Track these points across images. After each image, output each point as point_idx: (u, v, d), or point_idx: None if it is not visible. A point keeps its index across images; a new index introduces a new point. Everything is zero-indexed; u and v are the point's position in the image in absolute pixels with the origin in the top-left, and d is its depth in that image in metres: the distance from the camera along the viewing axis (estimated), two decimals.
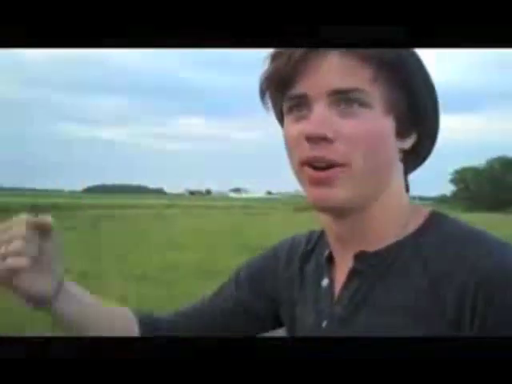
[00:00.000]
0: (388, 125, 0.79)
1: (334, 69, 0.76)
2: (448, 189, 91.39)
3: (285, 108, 0.82)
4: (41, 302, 0.87)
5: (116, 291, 7.87)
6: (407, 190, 0.88)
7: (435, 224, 0.82)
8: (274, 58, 0.80)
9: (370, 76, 0.76)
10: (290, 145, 0.81)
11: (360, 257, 0.83)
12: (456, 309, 0.72)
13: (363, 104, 0.76)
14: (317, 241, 0.97)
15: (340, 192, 0.78)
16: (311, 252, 0.97)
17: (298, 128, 0.79)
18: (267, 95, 0.84)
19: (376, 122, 0.77)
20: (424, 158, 0.89)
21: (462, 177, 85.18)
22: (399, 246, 0.81)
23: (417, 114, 0.81)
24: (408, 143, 0.83)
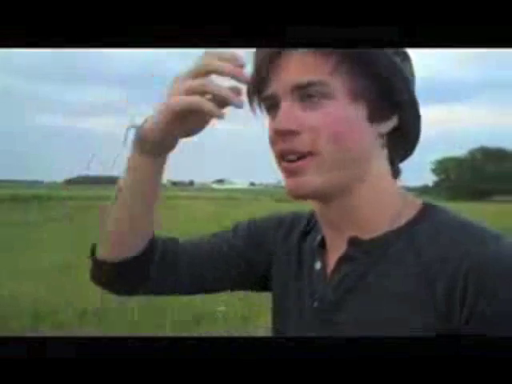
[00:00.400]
0: (354, 112, 0.82)
1: (295, 66, 0.81)
2: (430, 179, 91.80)
3: (264, 109, 0.88)
4: (186, 133, 0.88)
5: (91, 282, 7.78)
6: (396, 175, 0.90)
7: (429, 214, 0.85)
8: (253, 63, 0.86)
9: (329, 69, 0.80)
10: (269, 142, 0.86)
11: (353, 243, 0.86)
12: (447, 294, 0.75)
13: (325, 96, 0.81)
14: (315, 223, 1.00)
15: (311, 179, 0.82)
16: (309, 233, 1.00)
17: (271, 124, 0.85)
18: (253, 99, 0.88)
19: (340, 111, 0.81)
20: (412, 143, 0.91)
21: (443, 167, 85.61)
22: (393, 235, 0.84)
23: (390, 98, 0.83)
24: (387, 127, 0.85)
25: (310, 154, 0.82)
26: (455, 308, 0.74)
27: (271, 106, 0.86)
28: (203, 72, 0.81)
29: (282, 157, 0.84)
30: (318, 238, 0.95)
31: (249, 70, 0.85)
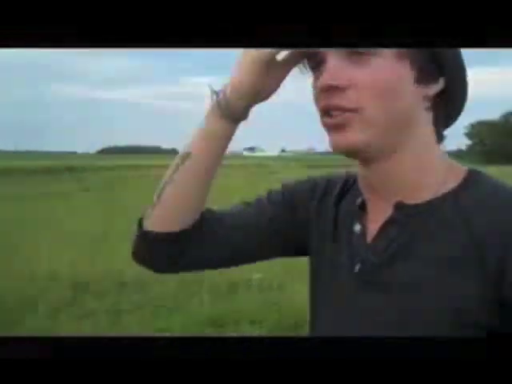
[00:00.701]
0: (402, 71, 0.82)
1: None
2: (464, 143, 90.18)
3: (309, 67, 0.89)
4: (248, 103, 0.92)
5: (128, 251, 7.85)
6: (440, 140, 0.89)
7: (474, 181, 0.85)
8: None
9: None
10: (314, 99, 0.87)
11: (400, 207, 0.86)
12: (499, 261, 0.76)
13: (372, 52, 0.80)
14: (352, 184, 0.99)
15: (354, 135, 0.83)
16: (346, 193, 1.00)
17: (317, 82, 0.85)
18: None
19: (387, 69, 0.81)
20: (458, 108, 0.91)
21: (476, 131, 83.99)
22: (439, 201, 0.84)
23: (436, 61, 0.83)
24: (433, 89, 0.85)
25: (355, 110, 0.82)
26: (507, 276, 0.75)
27: (316, 63, 0.86)
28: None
29: (326, 112, 0.85)
30: (359, 200, 0.94)
31: None
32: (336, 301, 0.92)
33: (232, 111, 0.91)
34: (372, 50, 0.80)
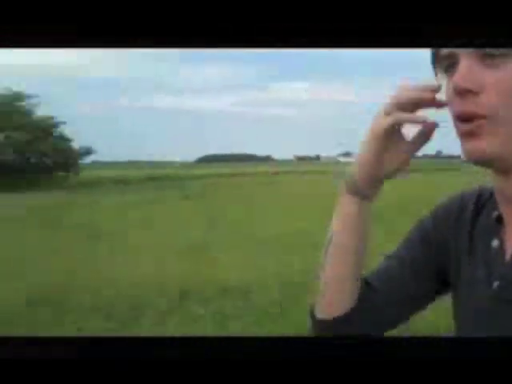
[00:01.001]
0: None
1: None
2: None
3: (442, 68, 0.86)
4: (371, 176, 0.92)
5: (229, 259, 8.15)
6: None
7: None
8: None
9: None
10: (447, 102, 0.85)
11: None
12: None
13: (507, 55, 0.77)
14: (488, 198, 0.96)
15: (487, 144, 0.79)
16: (482, 208, 0.96)
17: (450, 84, 0.83)
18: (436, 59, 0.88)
19: None
20: None
21: None
22: None
23: None
24: None
25: (489, 116, 0.78)
26: None
27: (449, 65, 0.83)
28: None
29: (458, 118, 0.82)
30: (495, 213, 0.91)
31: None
32: (474, 317, 0.90)
33: (360, 190, 0.92)
34: (506, 52, 0.77)
